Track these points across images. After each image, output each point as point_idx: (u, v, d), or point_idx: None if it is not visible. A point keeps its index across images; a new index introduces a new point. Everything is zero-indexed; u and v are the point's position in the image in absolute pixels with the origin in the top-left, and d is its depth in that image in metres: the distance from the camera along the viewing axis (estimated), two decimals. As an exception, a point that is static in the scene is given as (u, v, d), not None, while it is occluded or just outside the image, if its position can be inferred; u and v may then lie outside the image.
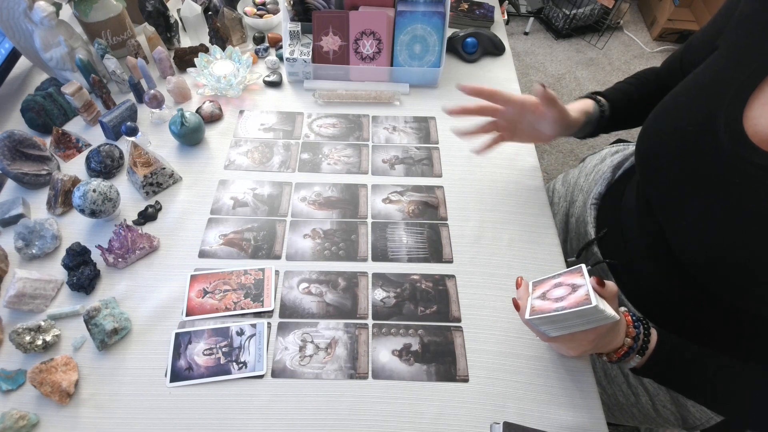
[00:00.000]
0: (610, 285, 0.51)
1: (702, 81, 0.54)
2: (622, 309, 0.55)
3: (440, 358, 0.60)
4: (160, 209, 0.74)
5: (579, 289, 0.47)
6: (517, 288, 0.56)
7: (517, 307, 0.55)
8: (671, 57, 0.71)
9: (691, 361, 0.54)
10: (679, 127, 0.53)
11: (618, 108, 0.72)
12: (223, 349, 0.60)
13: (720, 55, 0.54)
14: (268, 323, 0.62)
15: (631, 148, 0.84)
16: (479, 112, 0.70)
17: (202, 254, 0.69)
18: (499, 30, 1.08)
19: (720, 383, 0.52)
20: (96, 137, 0.82)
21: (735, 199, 0.47)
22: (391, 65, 0.91)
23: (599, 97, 0.73)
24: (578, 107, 0.70)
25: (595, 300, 0.45)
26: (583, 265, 0.50)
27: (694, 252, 0.52)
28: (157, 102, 0.82)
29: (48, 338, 0.58)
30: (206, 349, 0.60)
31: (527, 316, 0.51)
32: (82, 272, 0.64)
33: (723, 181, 0.48)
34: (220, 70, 0.87)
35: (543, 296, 0.52)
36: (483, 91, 0.66)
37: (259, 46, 0.99)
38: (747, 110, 0.48)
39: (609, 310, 0.46)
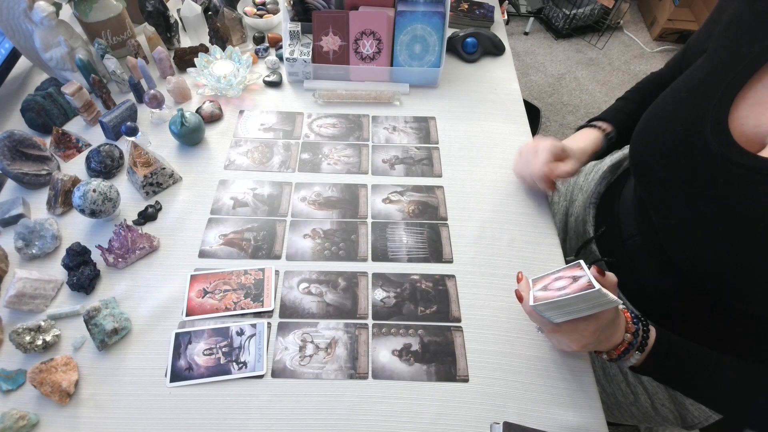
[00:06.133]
0: (610, 275, 0.51)
1: (691, 82, 0.54)
2: (621, 306, 0.55)
3: (440, 358, 0.60)
4: (160, 209, 0.74)
5: (580, 279, 0.48)
6: (518, 282, 0.57)
7: (519, 298, 0.55)
8: (673, 60, 0.71)
9: (690, 358, 0.54)
10: (669, 128, 0.54)
11: (622, 131, 0.73)
12: (223, 349, 0.60)
13: (708, 56, 0.54)
14: (268, 323, 0.62)
15: (630, 147, 0.84)
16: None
17: (202, 254, 0.69)
18: (499, 30, 1.08)
19: (718, 381, 0.52)
20: (96, 137, 0.82)
21: (721, 199, 0.48)
22: (391, 65, 0.91)
23: (605, 126, 0.73)
24: (589, 149, 0.72)
25: (598, 285, 0.45)
26: (582, 261, 0.50)
27: (684, 250, 0.52)
28: (157, 102, 0.82)
29: (48, 338, 0.58)
30: (206, 349, 0.60)
31: (531, 303, 0.51)
32: (82, 272, 0.64)
33: (710, 181, 0.49)
34: (220, 70, 0.87)
35: (545, 288, 0.52)
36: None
37: (259, 46, 0.99)
38: (734, 111, 0.48)
39: (611, 295, 0.46)
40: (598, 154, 0.74)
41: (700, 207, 0.50)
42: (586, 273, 0.48)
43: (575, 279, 0.49)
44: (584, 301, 0.47)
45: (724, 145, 0.48)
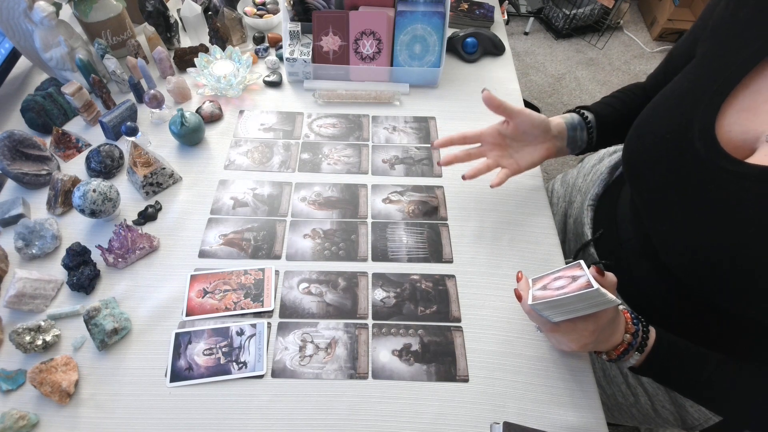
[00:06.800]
0: (610, 275, 0.51)
1: (679, 89, 0.55)
2: (621, 307, 0.55)
3: (440, 358, 0.60)
4: (160, 209, 0.74)
5: (579, 279, 0.48)
6: (517, 281, 0.57)
7: (519, 297, 0.55)
8: (656, 70, 0.72)
9: (689, 359, 0.54)
10: (659, 135, 0.54)
11: (603, 115, 0.72)
12: (223, 349, 0.60)
13: (696, 64, 0.55)
14: (268, 323, 0.62)
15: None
16: (463, 141, 0.73)
17: (202, 254, 0.69)
18: (499, 30, 1.08)
19: (718, 382, 0.52)
20: (96, 137, 0.82)
21: (712, 205, 0.48)
22: (391, 65, 0.91)
23: (580, 110, 0.73)
24: (557, 117, 0.72)
25: (597, 284, 0.46)
26: (582, 261, 0.51)
27: (677, 255, 0.53)
28: (157, 102, 0.82)
29: (48, 338, 0.58)
30: (206, 349, 0.60)
31: (530, 302, 0.51)
32: (82, 272, 0.64)
33: (700, 187, 0.49)
34: (220, 70, 0.87)
35: (544, 288, 0.52)
36: (453, 140, 0.72)
37: (259, 46, 0.99)
38: (721, 118, 0.49)
39: (610, 295, 0.46)
40: (573, 126, 0.71)
41: (692, 212, 0.50)
42: (585, 273, 0.48)
43: (574, 279, 0.49)
44: (583, 300, 0.47)
45: (712, 152, 0.48)
